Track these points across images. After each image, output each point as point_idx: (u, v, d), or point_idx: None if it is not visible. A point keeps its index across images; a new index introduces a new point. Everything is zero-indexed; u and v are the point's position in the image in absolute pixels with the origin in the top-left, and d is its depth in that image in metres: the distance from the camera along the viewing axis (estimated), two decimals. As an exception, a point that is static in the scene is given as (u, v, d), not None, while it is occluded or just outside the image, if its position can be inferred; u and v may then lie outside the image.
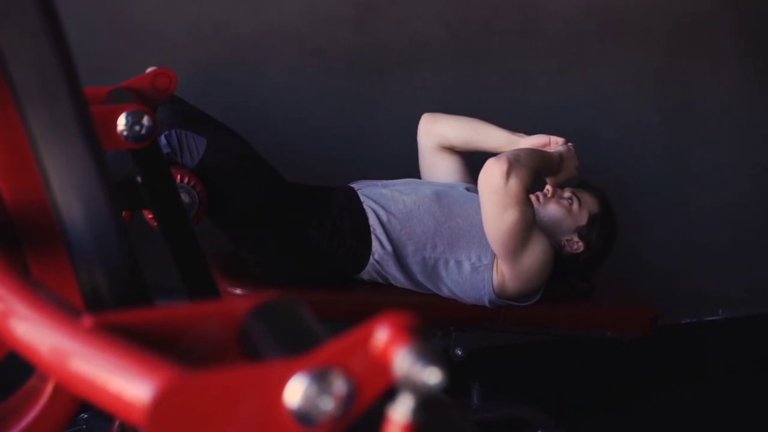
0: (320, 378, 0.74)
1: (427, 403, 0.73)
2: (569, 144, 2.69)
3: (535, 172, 2.47)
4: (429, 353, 0.72)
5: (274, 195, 2.48)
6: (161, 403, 0.71)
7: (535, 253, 2.50)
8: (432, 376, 0.72)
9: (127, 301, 1.09)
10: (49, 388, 1.12)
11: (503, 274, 2.54)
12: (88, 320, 0.82)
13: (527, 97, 3.46)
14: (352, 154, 3.26)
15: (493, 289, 2.55)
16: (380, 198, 2.60)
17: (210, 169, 2.34)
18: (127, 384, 0.73)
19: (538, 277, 2.55)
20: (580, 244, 2.68)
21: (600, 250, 2.72)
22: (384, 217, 2.55)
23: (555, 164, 2.61)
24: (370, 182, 2.73)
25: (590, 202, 2.72)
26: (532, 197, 2.64)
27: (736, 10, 3.69)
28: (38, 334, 0.83)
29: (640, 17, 3.57)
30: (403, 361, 0.73)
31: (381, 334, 0.75)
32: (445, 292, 2.60)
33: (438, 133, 2.84)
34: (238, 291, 2.46)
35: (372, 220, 2.55)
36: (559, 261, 2.64)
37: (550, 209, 2.68)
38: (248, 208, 2.44)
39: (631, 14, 3.56)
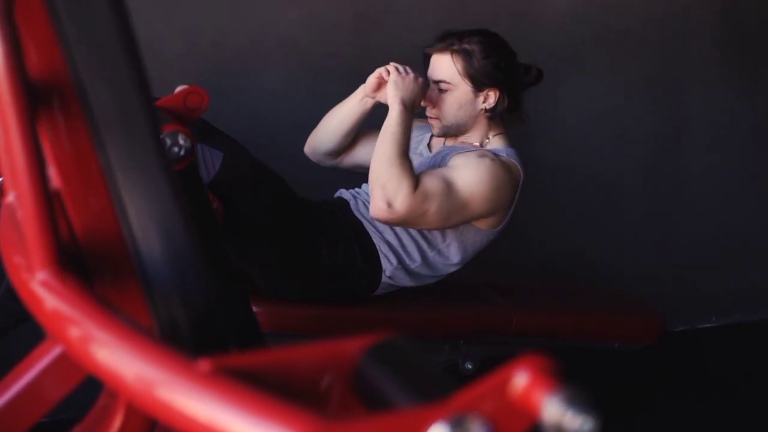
0: (459, 425, 0.72)
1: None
2: (389, 69, 2.53)
3: (400, 154, 2.35)
4: (580, 399, 0.70)
5: (288, 212, 2.42)
6: (304, 456, 0.68)
7: (476, 191, 2.40)
8: (586, 424, 0.70)
9: (205, 333, 1.07)
10: (121, 408, 1.09)
11: (482, 220, 2.50)
12: (205, 364, 0.79)
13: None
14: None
15: (486, 231, 2.53)
16: (367, 213, 2.53)
17: (225, 184, 2.25)
18: (265, 435, 0.70)
19: (497, 188, 2.45)
20: (489, 92, 2.55)
21: (499, 63, 2.55)
22: (381, 233, 2.52)
23: (407, 115, 2.44)
24: (351, 192, 2.68)
25: (449, 67, 2.55)
26: (431, 123, 2.60)
27: (728, 20, 3.71)
28: (148, 377, 0.80)
29: (632, 26, 3.58)
30: (553, 408, 0.70)
31: (520, 379, 0.73)
32: (456, 268, 2.58)
33: (321, 152, 2.78)
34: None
35: (375, 238, 2.51)
36: (503, 113, 2.58)
37: (447, 113, 2.57)
38: (263, 224, 2.37)
39: (624, 23, 3.56)
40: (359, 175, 2.78)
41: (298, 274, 2.44)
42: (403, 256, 2.51)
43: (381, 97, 2.58)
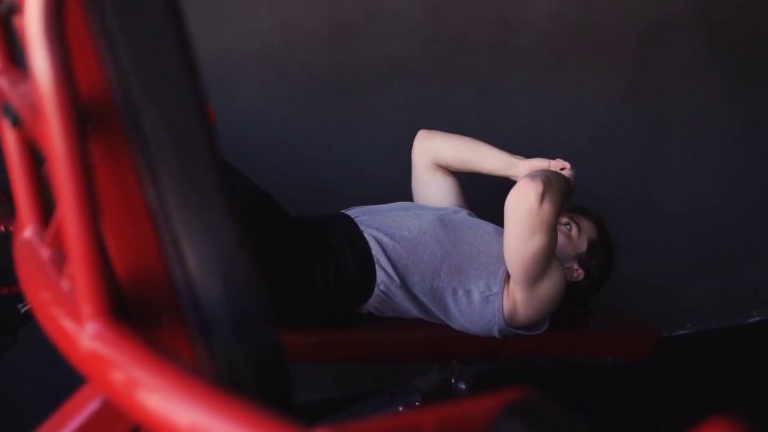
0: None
1: None
2: (570, 167, 2.54)
3: (564, 197, 2.35)
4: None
5: (281, 236, 2.31)
6: None
7: (553, 281, 2.39)
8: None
9: (267, 382, 0.96)
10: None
11: (516, 301, 2.41)
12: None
13: (503, 111, 3.39)
14: (329, 176, 3.13)
15: (504, 318, 2.42)
16: (381, 225, 2.44)
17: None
18: None
19: (551, 305, 2.45)
20: (580, 271, 2.61)
21: (599, 277, 2.66)
22: (389, 245, 2.39)
23: (571, 191, 2.48)
24: (364, 208, 2.57)
25: (588, 228, 2.64)
26: None
27: (707, 22, 3.68)
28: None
29: (612, 31, 3.53)
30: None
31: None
32: (455, 323, 2.47)
33: (433, 150, 2.67)
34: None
35: (375, 250, 2.38)
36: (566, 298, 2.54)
37: None
38: (255, 248, 2.23)
39: (604, 28, 3.51)
40: (346, 198, 2.68)
41: (292, 296, 2.31)
42: (413, 271, 2.40)
43: (519, 174, 2.51)
